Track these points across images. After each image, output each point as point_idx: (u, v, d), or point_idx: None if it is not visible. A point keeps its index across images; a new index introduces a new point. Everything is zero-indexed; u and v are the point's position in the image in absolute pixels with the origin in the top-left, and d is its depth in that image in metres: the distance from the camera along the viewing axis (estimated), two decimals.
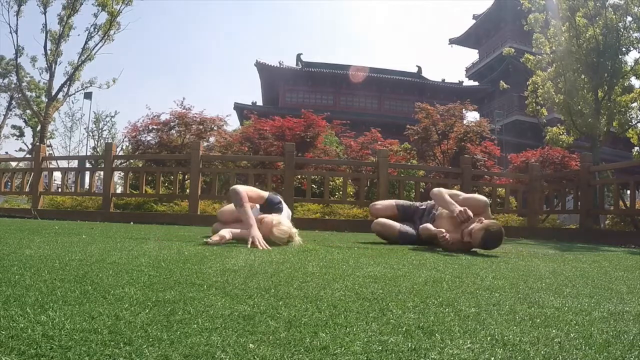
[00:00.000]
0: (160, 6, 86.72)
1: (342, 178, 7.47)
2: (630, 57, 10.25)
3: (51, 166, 7.77)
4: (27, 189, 7.96)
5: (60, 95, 17.56)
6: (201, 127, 9.09)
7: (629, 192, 6.35)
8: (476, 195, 3.39)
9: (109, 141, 22.95)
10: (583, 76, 9.64)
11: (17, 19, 16.45)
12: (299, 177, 7.43)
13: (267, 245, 2.60)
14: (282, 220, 2.82)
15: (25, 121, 26.23)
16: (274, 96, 38.46)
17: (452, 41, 44.00)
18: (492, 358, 0.82)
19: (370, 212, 3.85)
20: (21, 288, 1.20)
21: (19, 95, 21.85)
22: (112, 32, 16.92)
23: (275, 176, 7.00)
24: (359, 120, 22.47)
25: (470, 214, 2.97)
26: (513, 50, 14.06)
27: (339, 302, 1.21)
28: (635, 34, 9.59)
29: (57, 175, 12.66)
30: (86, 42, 16.90)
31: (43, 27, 16.52)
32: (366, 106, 37.91)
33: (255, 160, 8.16)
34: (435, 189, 3.30)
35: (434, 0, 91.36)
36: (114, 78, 19.94)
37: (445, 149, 10.17)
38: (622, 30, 9.49)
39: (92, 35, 16.85)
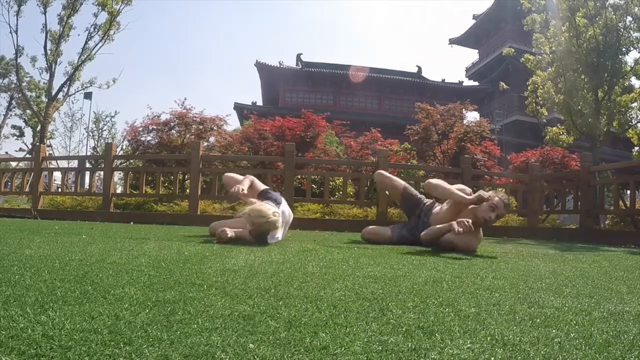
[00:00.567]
0: (160, 6, 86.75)
1: (342, 178, 7.46)
2: (630, 57, 10.26)
3: (51, 166, 7.75)
4: (27, 189, 7.95)
5: (60, 95, 17.61)
6: (201, 127, 9.10)
7: (629, 192, 6.35)
8: (460, 186, 3.38)
9: (109, 141, 22.90)
10: (583, 76, 9.64)
11: (17, 19, 16.50)
12: (299, 177, 7.43)
13: (244, 191, 2.89)
14: (266, 206, 2.76)
15: (25, 121, 26.24)
16: (274, 96, 38.44)
17: (452, 41, 43.98)
18: (492, 358, 0.82)
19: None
20: (21, 288, 1.20)
21: (19, 95, 21.84)
22: (112, 32, 16.95)
23: (275, 176, 6.99)
24: (359, 120, 22.44)
25: (484, 193, 3.01)
26: (513, 50, 14.07)
27: (339, 302, 1.21)
28: (635, 34, 9.60)
29: (57, 175, 12.66)
30: (86, 42, 16.95)
31: (43, 27, 16.57)
32: (366, 106, 37.88)
33: (255, 160, 8.15)
34: (434, 180, 3.27)
35: (434, 0, 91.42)
36: (114, 78, 20.01)
37: (445, 149, 10.16)
38: (622, 30, 9.49)
39: (92, 35, 16.90)
